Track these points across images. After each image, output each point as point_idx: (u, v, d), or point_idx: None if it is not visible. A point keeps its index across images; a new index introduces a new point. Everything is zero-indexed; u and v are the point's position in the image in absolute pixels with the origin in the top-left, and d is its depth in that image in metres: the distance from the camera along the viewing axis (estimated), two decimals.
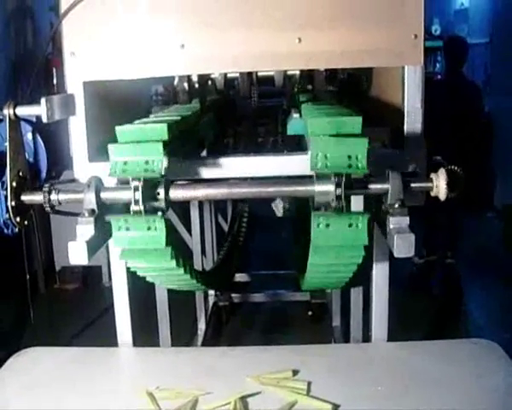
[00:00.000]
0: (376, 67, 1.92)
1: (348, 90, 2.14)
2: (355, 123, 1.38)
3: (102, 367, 1.79)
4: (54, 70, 5.61)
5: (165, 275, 1.64)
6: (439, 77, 7.03)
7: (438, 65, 7.90)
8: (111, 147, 1.44)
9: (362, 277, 1.75)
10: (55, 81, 5.72)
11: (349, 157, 1.36)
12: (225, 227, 4.79)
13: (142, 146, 1.42)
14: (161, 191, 1.44)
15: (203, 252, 3.79)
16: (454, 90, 5.15)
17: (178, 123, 1.63)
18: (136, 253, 1.48)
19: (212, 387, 1.60)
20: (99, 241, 1.49)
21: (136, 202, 1.41)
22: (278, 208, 1.81)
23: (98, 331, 3.99)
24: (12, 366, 1.81)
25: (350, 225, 1.37)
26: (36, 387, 1.68)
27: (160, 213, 1.44)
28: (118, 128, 1.44)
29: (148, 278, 1.67)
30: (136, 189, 1.41)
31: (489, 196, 6.68)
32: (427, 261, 5.41)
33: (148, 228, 1.42)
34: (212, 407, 1.53)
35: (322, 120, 1.41)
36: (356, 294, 2.88)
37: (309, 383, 1.60)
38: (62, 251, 4.98)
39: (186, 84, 1.90)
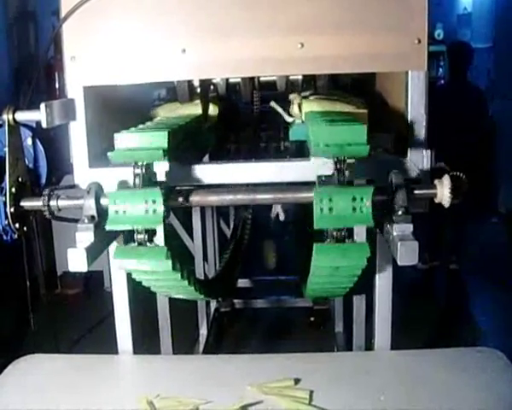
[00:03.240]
0: (380, 72, 1.91)
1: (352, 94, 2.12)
2: (359, 133, 1.36)
3: (102, 375, 1.77)
4: (56, 74, 5.61)
5: (167, 284, 1.63)
6: (442, 82, 7.01)
7: (441, 70, 7.88)
8: (110, 195, 1.43)
9: (365, 284, 1.73)
10: (57, 85, 5.73)
11: (353, 199, 1.35)
12: (228, 232, 4.77)
13: (141, 193, 1.41)
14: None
15: (205, 258, 3.77)
16: (457, 95, 5.14)
17: (178, 131, 1.61)
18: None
19: (213, 395, 1.58)
20: (99, 247, 1.48)
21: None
22: (274, 214, 1.81)
23: (99, 337, 3.98)
24: (12, 373, 1.79)
25: (351, 252, 1.36)
26: (35, 394, 1.66)
27: (164, 247, 1.43)
28: (109, 154, 1.43)
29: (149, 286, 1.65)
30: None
31: (493, 201, 6.66)
32: (431, 267, 5.39)
33: (153, 254, 1.41)
34: None
35: (325, 130, 1.39)
36: (359, 300, 2.86)
37: (311, 392, 1.58)
38: (64, 256, 4.96)
39: (187, 90, 1.89)
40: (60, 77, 5.60)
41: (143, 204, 1.39)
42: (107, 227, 1.41)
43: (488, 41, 7.76)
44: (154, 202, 1.39)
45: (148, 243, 1.42)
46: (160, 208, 1.39)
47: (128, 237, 1.46)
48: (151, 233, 1.42)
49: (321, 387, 1.60)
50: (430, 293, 5.18)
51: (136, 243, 1.42)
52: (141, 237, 1.41)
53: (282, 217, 1.73)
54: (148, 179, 1.44)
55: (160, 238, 1.43)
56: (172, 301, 2.64)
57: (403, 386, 1.63)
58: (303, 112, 1.82)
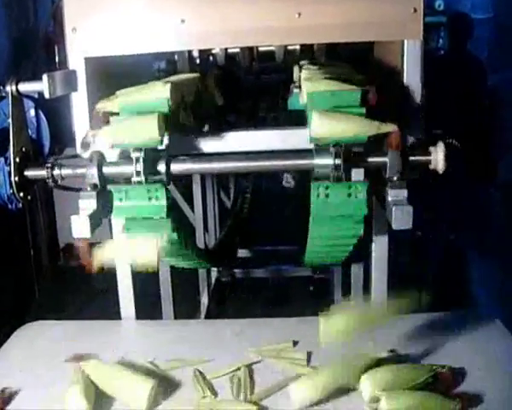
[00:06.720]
0: (376, 40, 1.92)
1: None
2: (354, 97, 1.39)
3: (106, 339, 1.81)
4: (56, 47, 5.58)
5: (168, 250, 1.66)
6: (442, 52, 6.98)
7: (441, 41, 7.83)
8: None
9: (363, 252, 1.77)
10: (57, 59, 5.70)
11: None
12: (228, 204, 4.79)
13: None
14: (162, 165, 1.46)
15: (206, 229, 3.80)
16: (457, 65, 5.13)
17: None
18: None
19: (214, 357, 1.63)
20: (101, 215, 1.51)
21: (138, 174, 1.44)
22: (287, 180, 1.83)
23: (101, 306, 4.02)
24: (17, 339, 1.84)
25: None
26: (40, 359, 1.71)
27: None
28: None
29: None
30: (137, 160, 1.43)
31: (492, 172, 6.66)
32: (427, 237, 5.40)
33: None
34: (219, 374, 1.56)
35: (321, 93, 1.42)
36: (356, 268, 2.90)
37: (309, 354, 1.62)
38: (66, 228, 5.00)
39: (187, 60, 1.91)
40: (59, 50, 5.57)
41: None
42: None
43: (489, 11, 7.70)
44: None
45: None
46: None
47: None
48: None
49: (318, 349, 1.63)
50: (426, 262, 5.20)
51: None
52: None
53: (291, 184, 1.76)
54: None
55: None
56: (174, 271, 2.68)
57: (400, 347, 1.67)
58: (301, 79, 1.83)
